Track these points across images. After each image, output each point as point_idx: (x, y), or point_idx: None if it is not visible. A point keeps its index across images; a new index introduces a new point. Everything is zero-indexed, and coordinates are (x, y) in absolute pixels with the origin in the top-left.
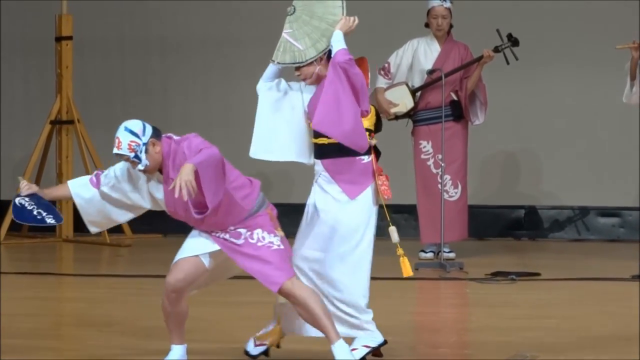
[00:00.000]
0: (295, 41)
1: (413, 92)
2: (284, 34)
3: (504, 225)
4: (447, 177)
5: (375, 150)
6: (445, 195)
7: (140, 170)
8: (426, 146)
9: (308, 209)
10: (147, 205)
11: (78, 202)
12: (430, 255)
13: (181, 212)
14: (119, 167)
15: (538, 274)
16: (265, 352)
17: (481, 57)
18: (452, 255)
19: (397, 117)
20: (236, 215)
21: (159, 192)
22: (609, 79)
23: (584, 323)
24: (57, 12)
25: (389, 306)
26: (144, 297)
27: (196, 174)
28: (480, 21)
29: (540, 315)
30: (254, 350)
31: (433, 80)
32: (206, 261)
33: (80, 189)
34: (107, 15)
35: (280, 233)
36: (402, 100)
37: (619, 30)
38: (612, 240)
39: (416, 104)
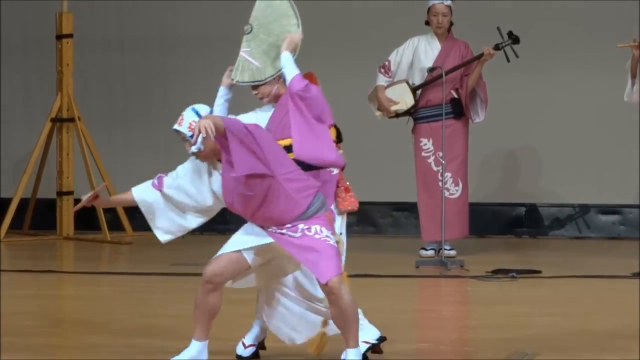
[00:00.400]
0: (253, 59)
1: (413, 89)
2: (241, 53)
3: (505, 223)
4: (448, 174)
5: None
6: (446, 193)
7: (192, 154)
8: (427, 144)
9: None
10: (210, 202)
11: (143, 207)
12: (431, 252)
13: (237, 201)
14: (182, 166)
15: (539, 272)
16: (256, 354)
17: (481, 55)
18: (452, 252)
19: (397, 115)
20: (291, 209)
21: (219, 186)
22: (609, 77)
23: (584, 321)
24: (57, 10)
25: (390, 304)
26: (145, 294)
27: (224, 137)
28: (480, 19)
29: (541, 312)
30: (244, 352)
31: (433, 78)
32: (249, 257)
33: (143, 194)
34: (108, 13)
35: (336, 237)
36: (402, 98)
37: (620, 29)
38: (612, 238)
39: (417, 101)
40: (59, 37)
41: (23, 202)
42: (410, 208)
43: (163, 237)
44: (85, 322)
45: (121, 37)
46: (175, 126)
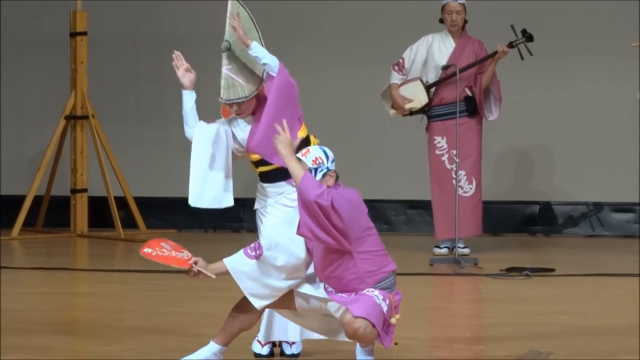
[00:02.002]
0: (236, 77)
1: (427, 87)
2: (224, 70)
3: (519, 221)
4: (462, 172)
5: None
6: (460, 191)
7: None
8: (440, 142)
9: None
10: (302, 261)
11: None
12: (444, 250)
13: (317, 251)
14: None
15: (552, 270)
16: (272, 353)
17: (495, 53)
18: (466, 250)
19: (411, 112)
20: (357, 285)
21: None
22: (622, 74)
23: (598, 319)
24: (71, 9)
25: (404, 301)
26: (158, 292)
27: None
28: (494, 17)
29: (555, 311)
30: (262, 350)
31: (447, 75)
32: (299, 302)
33: (237, 264)
34: (122, 11)
35: (393, 320)
36: (416, 96)
37: (633, 26)
38: (626, 236)
39: (430, 99)
40: (73, 35)
41: (37, 200)
42: (424, 206)
43: (257, 303)
44: (99, 319)
45: (135, 35)
46: (299, 155)
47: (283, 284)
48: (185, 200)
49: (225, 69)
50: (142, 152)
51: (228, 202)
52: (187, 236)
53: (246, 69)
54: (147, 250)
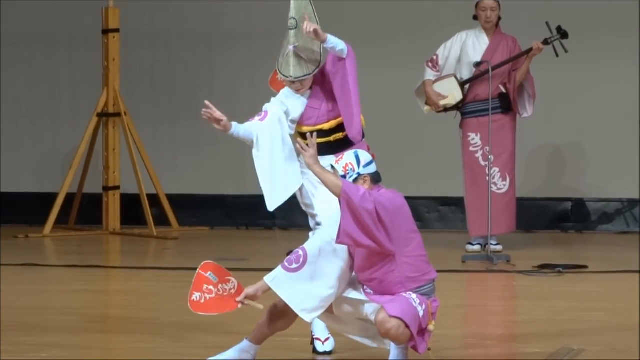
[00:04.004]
0: (302, 53)
1: (462, 84)
2: (290, 48)
3: (552, 218)
4: (496, 169)
5: None
6: (494, 188)
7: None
8: (475, 138)
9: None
10: (347, 263)
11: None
12: (477, 247)
13: (359, 251)
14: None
15: (585, 267)
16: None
17: (530, 50)
18: (499, 247)
19: (445, 109)
20: (396, 289)
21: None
22: None
23: (631, 316)
24: (104, 5)
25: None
26: None
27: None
28: (528, 14)
29: (588, 307)
30: (326, 346)
31: (481, 72)
32: (337, 306)
33: (280, 286)
34: (154, 8)
35: (431, 327)
36: (450, 93)
37: None
38: None
39: (465, 96)
40: (105, 32)
41: (69, 197)
42: (456, 203)
43: (307, 316)
44: (132, 317)
45: (167, 32)
46: (333, 162)
47: (329, 292)
48: (217, 197)
49: (293, 47)
50: (174, 149)
51: (296, 183)
52: (219, 233)
53: (308, 46)
54: (195, 298)
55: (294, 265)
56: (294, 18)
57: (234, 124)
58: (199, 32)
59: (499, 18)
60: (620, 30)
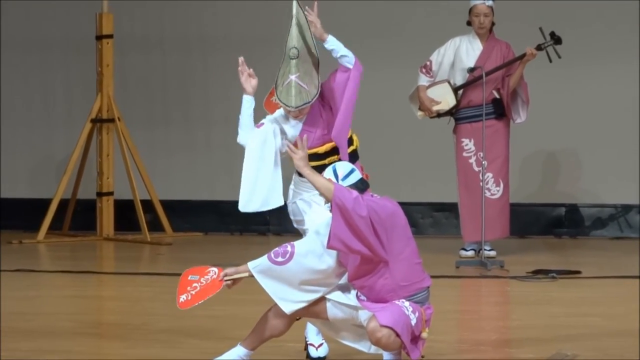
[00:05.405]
0: (303, 83)
1: (455, 90)
2: (292, 78)
3: (545, 223)
4: (489, 175)
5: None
6: (487, 193)
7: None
8: (468, 144)
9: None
10: (332, 268)
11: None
12: (471, 253)
13: (352, 259)
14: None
15: (579, 272)
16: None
17: (524, 55)
18: (492, 253)
19: (439, 114)
20: (389, 296)
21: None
22: None
23: (625, 321)
24: (97, 11)
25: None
26: None
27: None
28: (522, 19)
29: (582, 313)
30: (316, 353)
31: (475, 78)
32: (331, 311)
33: (261, 274)
34: (148, 14)
35: (424, 334)
36: (444, 98)
37: None
38: None
39: (458, 101)
40: (99, 38)
41: (63, 203)
42: (450, 208)
43: (287, 307)
44: (125, 323)
45: (161, 37)
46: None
47: (311, 291)
48: (211, 203)
49: (295, 77)
50: (168, 154)
51: (277, 202)
52: (213, 239)
53: (309, 72)
54: (182, 299)
55: (280, 259)
56: (295, 47)
57: (252, 98)
58: (192, 37)
59: (493, 23)
60: (615, 37)
